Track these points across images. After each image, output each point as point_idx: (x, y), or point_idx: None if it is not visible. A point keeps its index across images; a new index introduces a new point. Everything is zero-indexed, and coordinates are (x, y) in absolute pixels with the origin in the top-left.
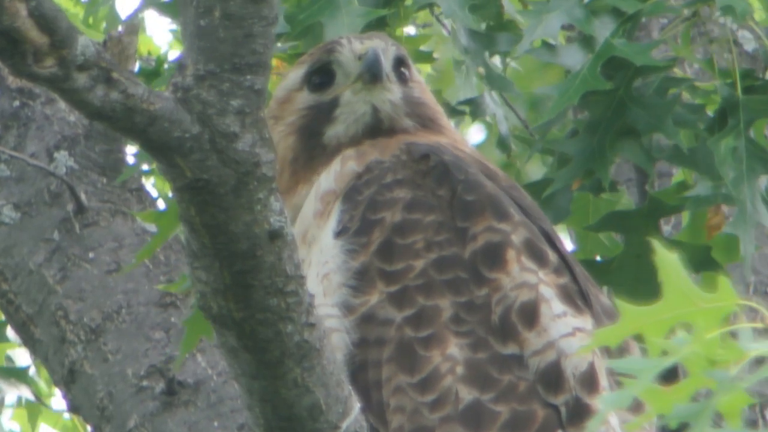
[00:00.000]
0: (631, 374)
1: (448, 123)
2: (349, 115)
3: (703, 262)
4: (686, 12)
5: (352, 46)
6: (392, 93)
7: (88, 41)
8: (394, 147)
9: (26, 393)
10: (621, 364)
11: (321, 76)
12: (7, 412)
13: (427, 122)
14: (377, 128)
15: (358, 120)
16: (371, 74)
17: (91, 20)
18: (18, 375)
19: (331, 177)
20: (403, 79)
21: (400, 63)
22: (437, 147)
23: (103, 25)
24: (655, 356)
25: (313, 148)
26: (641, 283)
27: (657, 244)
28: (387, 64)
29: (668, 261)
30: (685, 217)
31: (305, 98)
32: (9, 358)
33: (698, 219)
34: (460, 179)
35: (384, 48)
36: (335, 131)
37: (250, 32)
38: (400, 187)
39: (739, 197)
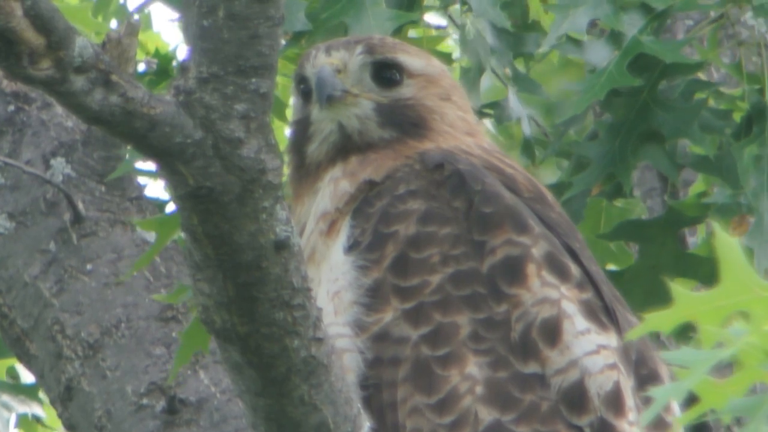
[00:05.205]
0: (684, 366)
1: (449, 125)
2: (319, 133)
3: None
4: (713, 13)
5: (315, 61)
6: (359, 107)
7: (86, 42)
8: (389, 162)
9: (37, 410)
10: (674, 356)
11: (305, 85)
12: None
13: (408, 128)
14: (347, 146)
15: (326, 138)
16: (319, 97)
17: (101, 18)
18: (27, 392)
19: (326, 198)
20: (389, 84)
21: (381, 68)
22: (452, 155)
23: (113, 22)
24: (709, 345)
25: (300, 167)
26: (652, 296)
27: (717, 227)
28: (352, 78)
29: (727, 245)
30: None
31: (297, 109)
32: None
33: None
34: (476, 190)
35: (346, 60)
36: (311, 149)
37: (256, 33)
38: (413, 198)
39: (758, 208)
